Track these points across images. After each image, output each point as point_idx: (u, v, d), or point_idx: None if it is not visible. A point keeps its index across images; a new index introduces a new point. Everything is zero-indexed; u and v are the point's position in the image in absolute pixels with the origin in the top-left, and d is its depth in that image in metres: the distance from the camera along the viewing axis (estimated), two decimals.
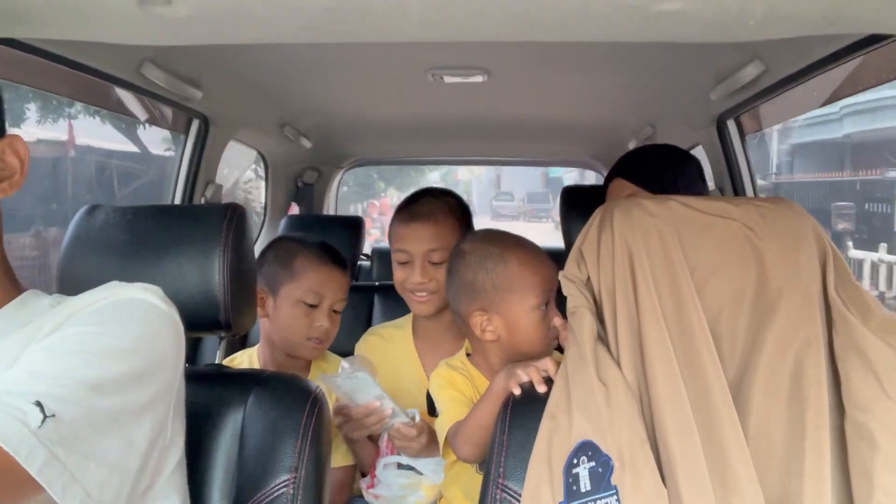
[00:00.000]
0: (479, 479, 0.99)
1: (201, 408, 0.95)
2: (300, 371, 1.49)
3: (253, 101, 1.95)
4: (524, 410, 0.94)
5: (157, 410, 0.73)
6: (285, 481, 0.95)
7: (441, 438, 1.22)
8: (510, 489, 0.90)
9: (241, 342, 1.90)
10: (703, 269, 0.88)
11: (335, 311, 1.49)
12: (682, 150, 1.49)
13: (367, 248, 3.03)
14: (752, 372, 0.83)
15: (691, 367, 0.82)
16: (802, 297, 0.86)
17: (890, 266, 9.61)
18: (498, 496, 0.90)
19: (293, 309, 1.43)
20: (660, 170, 1.39)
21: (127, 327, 0.74)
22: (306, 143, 2.56)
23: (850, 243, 10.64)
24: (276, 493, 0.94)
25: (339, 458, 1.43)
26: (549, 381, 0.97)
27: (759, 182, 1.97)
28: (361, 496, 1.48)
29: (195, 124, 1.91)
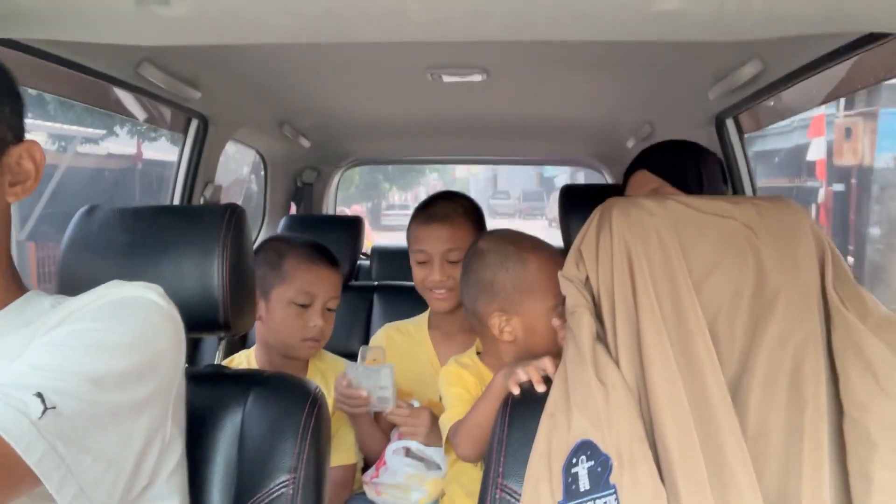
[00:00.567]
0: (480, 476, 1.00)
1: (201, 408, 0.95)
2: (298, 371, 1.49)
3: (252, 100, 1.95)
4: (523, 410, 0.94)
5: (155, 407, 0.74)
6: (285, 481, 0.95)
7: (444, 434, 1.23)
8: (509, 488, 0.90)
9: (240, 342, 1.90)
10: (702, 267, 0.88)
11: (329, 310, 1.49)
12: (706, 147, 1.49)
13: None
14: (751, 370, 0.83)
15: (690, 366, 0.82)
16: (800, 296, 0.86)
17: None
18: (497, 496, 0.90)
19: (286, 310, 1.43)
20: (685, 165, 1.38)
21: (128, 324, 0.74)
22: (305, 143, 2.56)
23: None
24: (276, 493, 0.94)
25: (340, 458, 1.43)
26: (547, 381, 0.98)
27: None
28: (362, 493, 1.48)
29: (194, 124, 1.90)
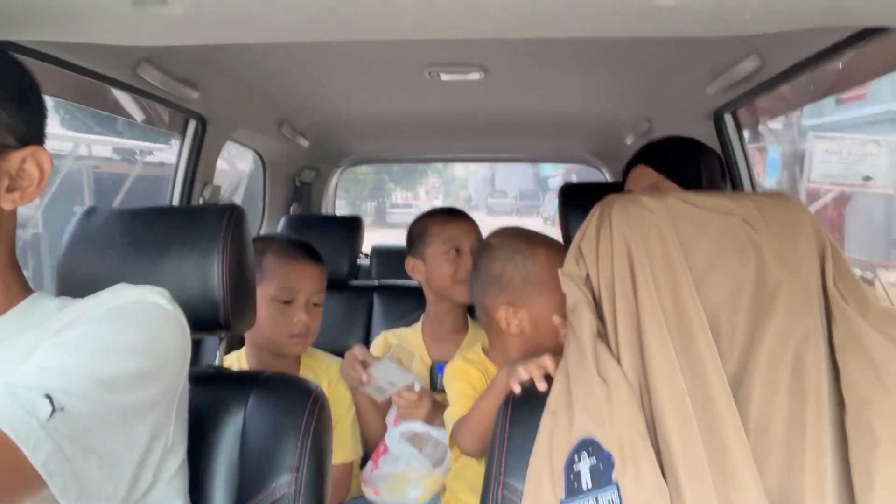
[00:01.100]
0: (483, 472, 1.00)
1: (202, 409, 0.95)
2: (290, 370, 1.48)
3: (250, 100, 1.95)
4: (525, 408, 0.94)
5: (158, 411, 0.74)
6: (287, 481, 0.95)
7: (448, 430, 1.23)
8: (511, 486, 0.90)
9: (240, 342, 1.90)
10: (702, 264, 0.88)
11: (315, 305, 1.49)
12: (706, 144, 1.49)
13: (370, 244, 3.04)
14: (752, 366, 0.84)
15: (691, 362, 0.83)
16: (801, 291, 0.86)
17: None
18: (499, 493, 0.90)
19: (269, 308, 1.43)
20: (684, 160, 1.39)
21: (135, 328, 0.75)
22: (304, 143, 2.55)
23: None
24: (279, 494, 0.94)
25: (337, 456, 1.43)
26: (549, 379, 0.98)
27: None
28: (361, 494, 1.49)
29: (192, 124, 1.90)
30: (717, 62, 1.49)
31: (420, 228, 1.69)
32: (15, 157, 0.73)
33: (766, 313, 0.85)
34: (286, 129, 2.34)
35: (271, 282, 1.44)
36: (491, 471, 0.92)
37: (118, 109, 1.78)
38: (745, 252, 0.88)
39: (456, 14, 0.89)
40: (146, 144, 7.13)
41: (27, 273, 0.83)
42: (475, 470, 1.24)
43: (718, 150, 1.89)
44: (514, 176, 27.08)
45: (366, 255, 3.05)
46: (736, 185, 1.88)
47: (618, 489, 0.77)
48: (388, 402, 1.48)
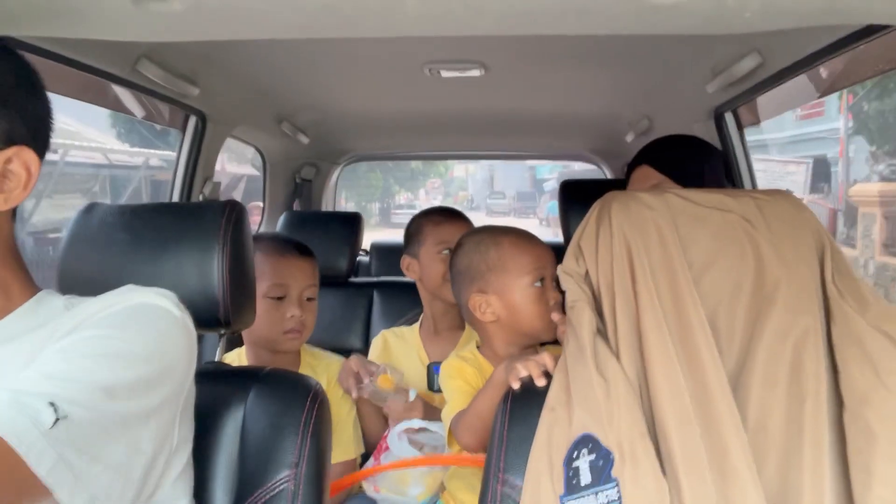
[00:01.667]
0: (481, 470, 1.00)
1: (202, 405, 0.94)
2: (289, 367, 1.49)
3: (250, 97, 1.95)
4: (524, 404, 0.94)
5: (164, 415, 0.74)
6: (286, 477, 0.95)
7: (446, 428, 1.24)
8: (511, 483, 0.90)
9: (240, 339, 1.90)
10: (701, 261, 0.88)
11: (309, 299, 1.49)
12: (709, 143, 1.49)
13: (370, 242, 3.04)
14: (751, 364, 0.84)
15: (690, 359, 0.83)
16: (800, 289, 0.86)
17: None
18: (498, 490, 0.90)
19: (262, 305, 1.42)
20: (687, 161, 1.38)
21: (140, 332, 0.74)
22: (304, 139, 2.55)
23: None
24: (278, 489, 0.94)
25: (339, 454, 1.44)
26: (547, 375, 0.98)
27: None
28: (360, 493, 1.49)
29: (192, 121, 1.90)
30: (717, 60, 1.49)
31: (416, 228, 1.71)
32: None
33: (765, 311, 0.85)
34: (286, 125, 2.34)
35: (262, 279, 1.44)
36: (490, 468, 0.92)
37: (118, 105, 1.77)
38: (744, 250, 0.88)
39: (456, 11, 0.89)
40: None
41: None
42: (473, 469, 1.24)
43: (719, 147, 1.89)
44: (512, 178, 28.07)
45: (366, 252, 3.04)
46: (736, 184, 1.88)
47: (617, 486, 0.78)
48: None
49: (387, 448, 1.43)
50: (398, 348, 1.69)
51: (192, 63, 1.53)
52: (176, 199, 1.92)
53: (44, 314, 0.77)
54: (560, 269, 0.98)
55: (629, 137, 2.44)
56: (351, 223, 2.31)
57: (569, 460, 0.82)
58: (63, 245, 1.00)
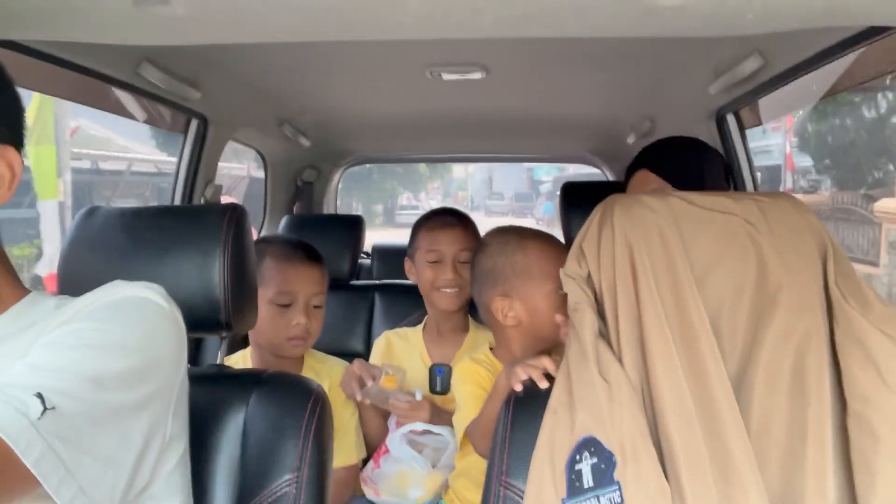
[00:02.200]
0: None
1: (203, 408, 0.95)
2: (292, 370, 1.49)
3: (251, 100, 1.95)
4: (526, 407, 0.94)
5: (154, 408, 0.73)
6: (288, 480, 0.95)
7: (459, 433, 1.25)
8: (513, 486, 0.90)
9: (242, 341, 1.90)
10: (704, 264, 0.88)
11: (315, 307, 1.49)
12: (708, 145, 1.48)
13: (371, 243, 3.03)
14: (754, 366, 0.83)
15: (692, 362, 0.82)
16: (802, 291, 0.86)
17: None
18: (501, 493, 0.90)
19: (268, 311, 1.43)
20: (687, 164, 1.37)
21: (128, 324, 0.74)
22: (305, 142, 2.55)
23: None
24: (279, 493, 0.94)
25: (341, 459, 1.43)
26: (549, 378, 0.98)
27: None
28: (362, 495, 1.49)
29: (194, 124, 1.90)
30: (719, 62, 1.49)
31: (414, 231, 1.71)
32: None
33: (768, 313, 0.85)
34: (287, 128, 2.34)
35: (269, 285, 1.44)
36: (493, 471, 0.92)
37: (120, 109, 1.78)
38: (746, 252, 0.88)
39: (457, 13, 0.89)
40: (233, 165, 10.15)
41: None
42: (480, 469, 1.24)
43: (721, 149, 1.88)
44: (510, 179, 28.60)
45: (367, 255, 3.04)
46: (738, 186, 1.88)
47: (619, 488, 0.77)
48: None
49: (387, 451, 1.43)
50: (401, 349, 1.69)
51: (194, 66, 1.53)
52: (178, 202, 1.92)
53: (34, 315, 0.77)
54: (562, 272, 0.97)
55: (630, 139, 2.44)
56: (352, 226, 2.31)
57: (571, 463, 0.82)
58: (64, 248, 1.00)
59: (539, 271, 1.21)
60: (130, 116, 1.86)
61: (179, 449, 0.81)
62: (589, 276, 0.95)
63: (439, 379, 1.57)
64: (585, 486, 0.79)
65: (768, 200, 0.92)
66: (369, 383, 1.43)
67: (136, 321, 0.75)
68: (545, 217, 19.13)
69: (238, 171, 10.33)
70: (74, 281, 0.96)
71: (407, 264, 1.71)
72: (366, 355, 1.77)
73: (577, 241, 0.98)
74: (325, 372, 1.53)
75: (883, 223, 7.72)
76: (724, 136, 1.86)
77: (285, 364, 1.48)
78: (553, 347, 1.27)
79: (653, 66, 1.62)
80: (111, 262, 0.97)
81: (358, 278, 2.50)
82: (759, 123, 1.95)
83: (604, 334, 0.89)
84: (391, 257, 2.80)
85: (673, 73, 1.67)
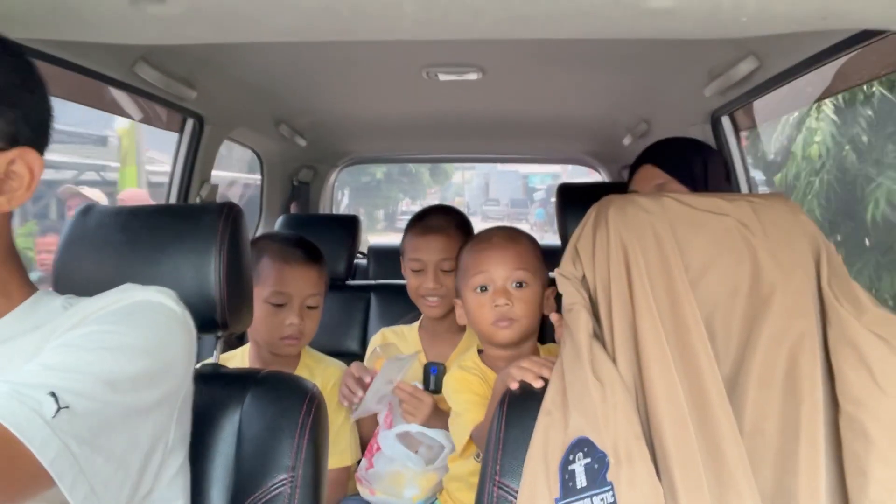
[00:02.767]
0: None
1: (199, 407, 0.94)
2: (287, 368, 1.49)
3: (248, 99, 1.95)
4: (520, 408, 0.94)
5: (162, 412, 0.74)
6: (283, 480, 0.95)
7: (460, 440, 1.25)
8: (507, 486, 0.90)
9: (237, 340, 1.90)
10: (698, 265, 0.89)
11: (311, 308, 1.48)
12: (710, 146, 1.50)
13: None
14: (747, 367, 0.84)
15: (686, 363, 0.83)
16: (796, 293, 0.86)
17: None
18: (495, 493, 0.90)
19: (263, 309, 1.43)
20: (692, 161, 1.39)
21: (142, 328, 0.74)
22: (301, 142, 2.55)
23: None
24: (274, 492, 0.94)
25: (335, 460, 1.43)
26: (544, 378, 0.98)
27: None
28: (355, 494, 1.49)
29: (190, 123, 1.90)
30: (714, 64, 1.50)
31: (404, 234, 1.70)
32: (1, 160, 0.70)
33: (761, 315, 0.85)
34: (284, 128, 2.34)
35: (265, 284, 1.44)
36: (486, 471, 0.92)
37: (116, 108, 1.77)
38: (740, 254, 0.88)
39: (454, 14, 0.89)
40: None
41: None
42: (472, 469, 1.24)
43: None
44: (506, 186, 29.08)
45: (363, 255, 3.04)
46: (733, 187, 1.88)
47: (612, 489, 0.78)
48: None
49: (378, 448, 1.43)
50: (397, 342, 1.68)
51: (190, 66, 1.53)
52: (173, 201, 1.92)
53: (42, 314, 0.77)
54: (557, 273, 0.98)
55: (626, 141, 2.45)
56: (348, 226, 2.31)
57: (565, 463, 0.82)
58: (59, 246, 1.00)
59: (464, 267, 1.23)
60: (126, 115, 1.86)
61: (182, 454, 0.81)
62: (584, 276, 0.95)
63: (433, 378, 1.57)
64: (579, 487, 0.80)
65: (762, 202, 0.93)
66: (359, 395, 1.41)
67: (149, 325, 0.75)
68: (538, 223, 19.54)
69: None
70: (70, 280, 0.96)
71: (402, 264, 1.71)
72: (361, 355, 1.78)
73: (572, 242, 0.98)
74: (319, 371, 1.54)
75: None
76: (719, 138, 1.87)
77: (281, 361, 1.49)
78: (538, 343, 1.28)
79: (649, 68, 1.63)
80: (107, 261, 0.97)
81: (354, 278, 2.50)
82: (754, 126, 1.96)
83: (598, 335, 0.90)
84: (387, 257, 2.80)
85: (668, 76, 1.67)
